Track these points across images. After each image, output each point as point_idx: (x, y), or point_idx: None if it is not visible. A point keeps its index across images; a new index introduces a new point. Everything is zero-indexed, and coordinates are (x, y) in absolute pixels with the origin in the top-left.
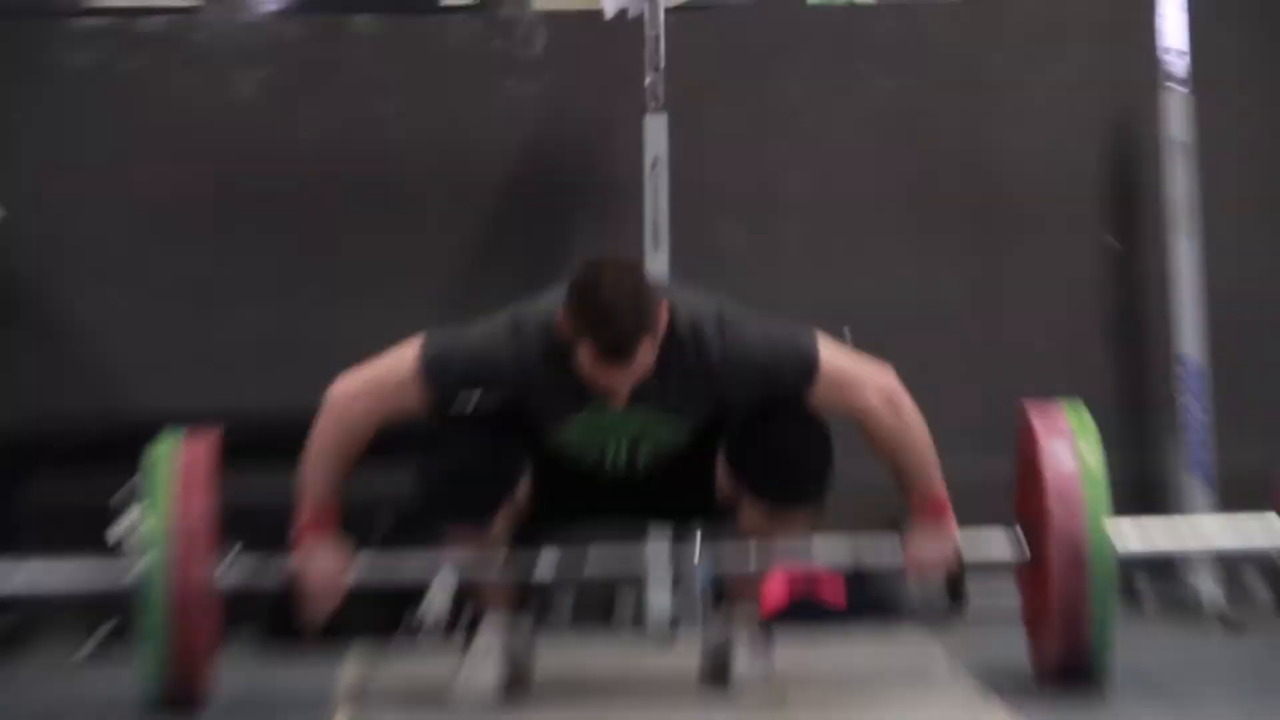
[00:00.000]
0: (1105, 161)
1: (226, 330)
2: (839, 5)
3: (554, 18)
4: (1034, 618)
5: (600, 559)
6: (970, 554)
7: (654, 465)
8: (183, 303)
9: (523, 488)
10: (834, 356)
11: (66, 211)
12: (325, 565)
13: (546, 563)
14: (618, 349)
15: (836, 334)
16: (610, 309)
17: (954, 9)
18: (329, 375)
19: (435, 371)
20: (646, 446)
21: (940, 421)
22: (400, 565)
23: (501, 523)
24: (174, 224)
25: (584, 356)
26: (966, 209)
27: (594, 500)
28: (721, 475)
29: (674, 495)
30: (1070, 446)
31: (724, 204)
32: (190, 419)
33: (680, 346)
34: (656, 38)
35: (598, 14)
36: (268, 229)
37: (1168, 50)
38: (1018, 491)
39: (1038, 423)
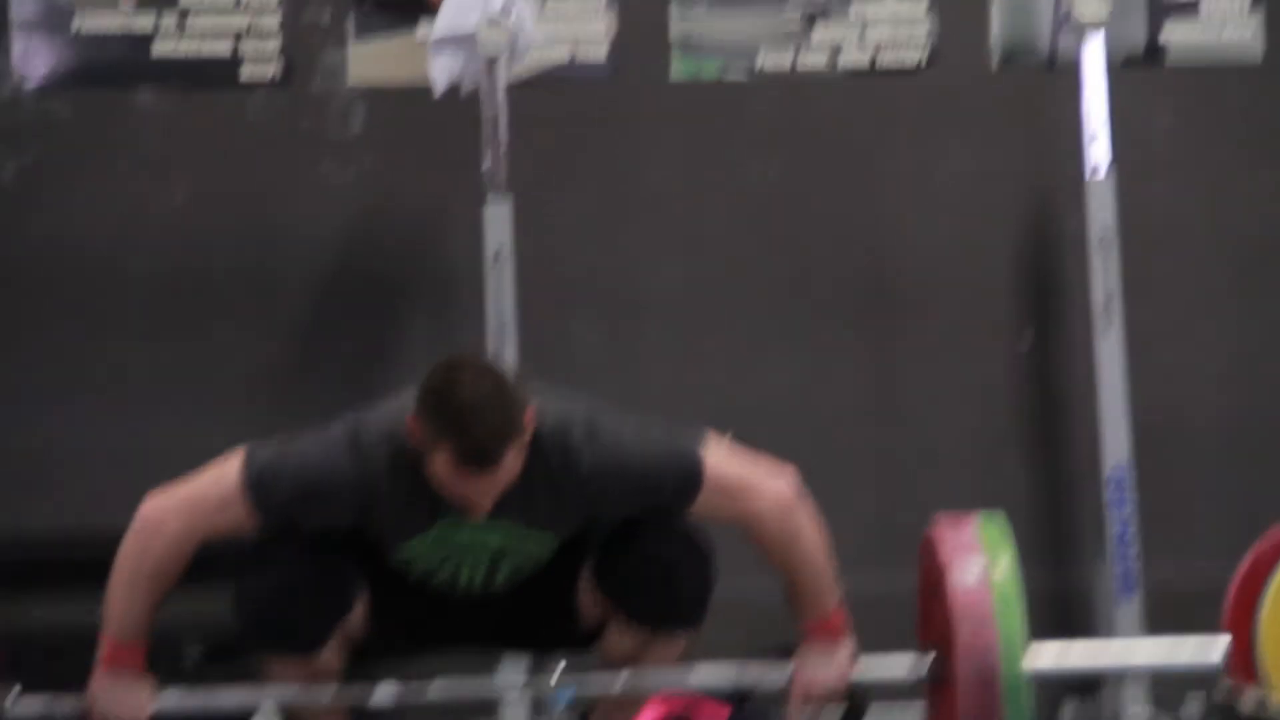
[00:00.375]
0: (1017, 253)
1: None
2: (707, 81)
3: (374, 94)
4: None
5: (447, 688)
6: (870, 676)
7: (512, 584)
8: None
9: (358, 612)
10: (722, 463)
11: None
12: (125, 703)
13: (384, 693)
14: (480, 457)
15: None
16: (470, 412)
17: (839, 84)
18: (118, 492)
19: (261, 492)
20: (507, 566)
21: (836, 541)
22: (213, 699)
23: (332, 652)
24: None
25: (440, 466)
26: (861, 306)
27: (440, 624)
28: (585, 594)
29: (532, 618)
30: (979, 559)
31: (579, 300)
32: None
33: (546, 455)
34: (494, 118)
35: (426, 91)
36: (44, 328)
37: (1091, 135)
38: (921, 612)
39: (943, 534)
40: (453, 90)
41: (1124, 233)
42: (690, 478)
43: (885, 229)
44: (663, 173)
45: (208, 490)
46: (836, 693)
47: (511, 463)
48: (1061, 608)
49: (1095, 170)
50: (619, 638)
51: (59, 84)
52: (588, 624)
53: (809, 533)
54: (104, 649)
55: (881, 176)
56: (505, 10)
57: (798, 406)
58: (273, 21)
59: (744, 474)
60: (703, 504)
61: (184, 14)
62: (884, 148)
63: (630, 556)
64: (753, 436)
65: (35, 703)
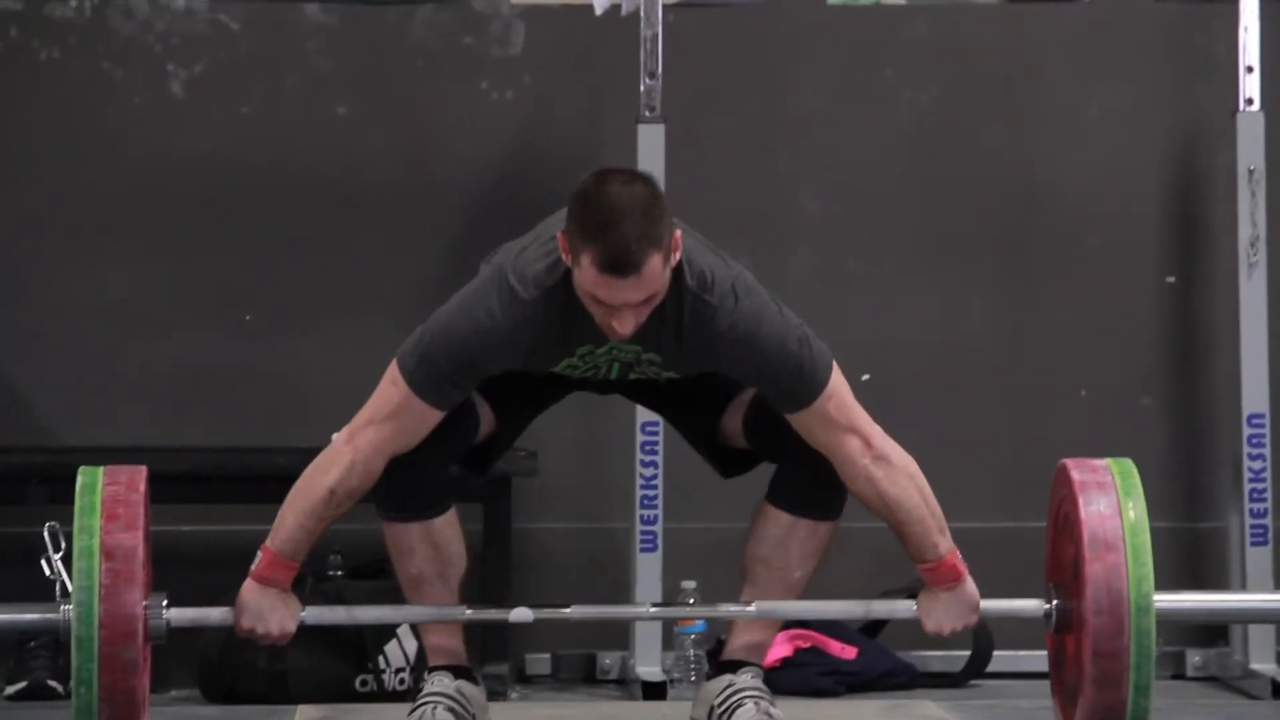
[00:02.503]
0: (1165, 190)
1: (153, 358)
2: (864, 4)
3: (535, 12)
4: (1064, 689)
5: (583, 612)
6: (996, 619)
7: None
8: (102, 326)
9: (483, 431)
10: (840, 389)
11: None
12: (272, 618)
13: (520, 614)
14: (621, 261)
15: (853, 379)
16: (615, 212)
17: (996, 11)
18: (272, 410)
19: (429, 386)
20: (635, 376)
21: (968, 480)
22: (354, 616)
23: (451, 524)
24: (92, 238)
25: (584, 275)
26: (1005, 241)
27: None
28: (731, 424)
29: (677, 404)
30: (1112, 501)
31: (726, 226)
32: (112, 456)
33: (683, 300)
34: (654, 37)
35: (586, 9)
36: (201, 245)
37: (1245, 69)
38: (1049, 554)
39: (1076, 476)
40: (613, 10)
41: (1273, 170)
42: (811, 385)
43: (1034, 159)
44: (815, 98)
45: (381, 407)
46: (962, 633)
47: (653, 275)
48: (1193, 555)
49: (1247, 104)
50: (764, 523)
51: None
52: (723, 444)
53: (904, 481)
54: (261, 561)
55: (1033, 106)
56: None
57: (938, 339)
58: None
59: (854, 411)
60: (808, 415)
61: None
62: (1037, 77)
63: (787, 432)
64: (892, 367)
65: (185, 614)
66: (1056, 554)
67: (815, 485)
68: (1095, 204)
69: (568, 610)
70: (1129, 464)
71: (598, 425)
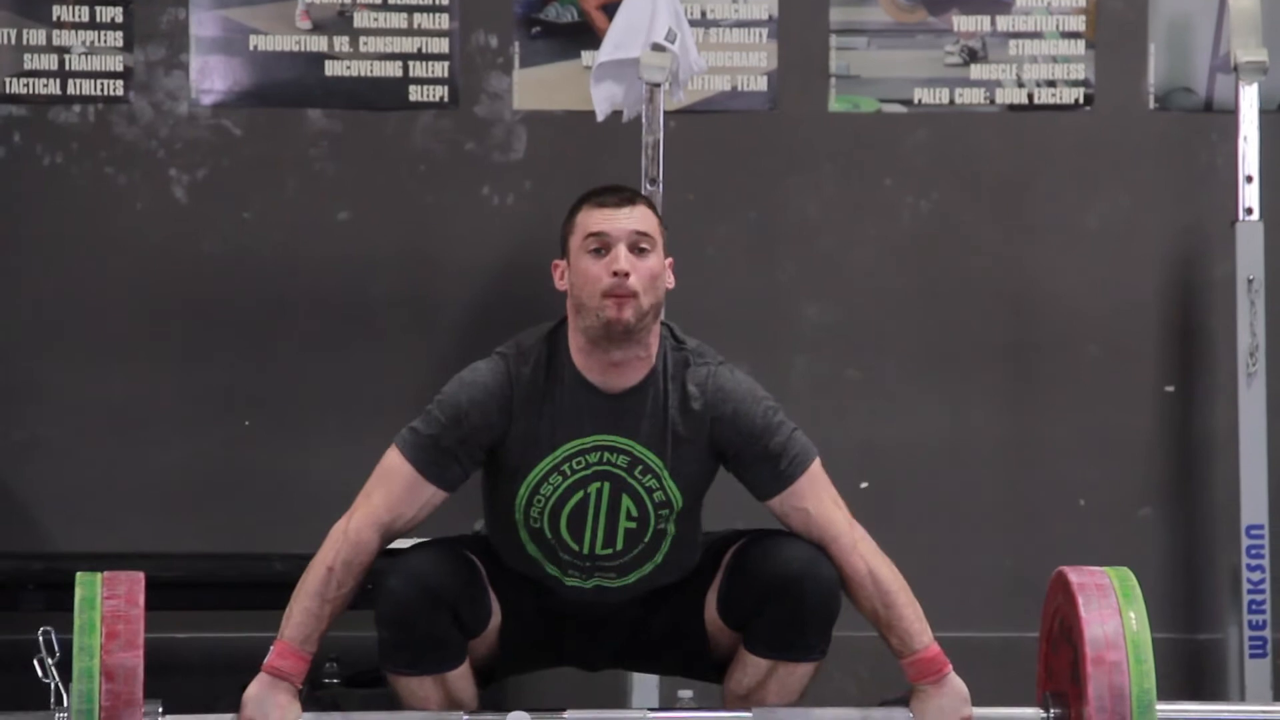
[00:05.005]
0: (1165, 299)
1: (151, 463)
2: (866, 112)
3: (537, 118)
4: None
5: (580, 718)
6: None
7: (634, 589)
8: (99, 430)
9: (490, 631)
10: (825, 476)
11: None
12: (273, 709)
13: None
14: (617, 190)
15: (852, 487)
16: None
17: (997, 120)
18: (270, 517)
19: (419, 448)
20: (629, 504)
21: (966, 589)
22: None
23: (464, 676)
24: (92, 342)
25: (580, 226)
26: (1004, 349)
27: (566, 642)
28: (712, 624)
29: (659, 641)
30: (1112, 604)
31: (726, 331)
32: (108, 562)
33: (680, 365)
34: (655, 144)
35: (588, 115)
36: (201, 350)
37: (1244, 179)
38: (1042, 664)
39: (1074, 579)
40: (614, 116)
41: (1272, 279)
42: (805, 452)
43: (1034, 267)
44: (816, 204)
45: (377, 482)
46: None
47: (648, 219)
48: (1192, 667)
49: (1247, 213)
50: (743, 668)
51: (233, 101)
52: (717, 654)
53: (887, 568)
54: (272, 652)
55: (1033, 214)
56: (669, 37)
57: (936, 447)
58: (442, 45)
59: (834, 489)
60: (801, 488)
61: (357, 35)
62: (1037, 185)
63: (754, 582)
64: (890, 476)
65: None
66: (1051, 663)
67: (794, 629)
68: (1094, 312)
69: (565, 715)
70: (1127, 572)
71: None
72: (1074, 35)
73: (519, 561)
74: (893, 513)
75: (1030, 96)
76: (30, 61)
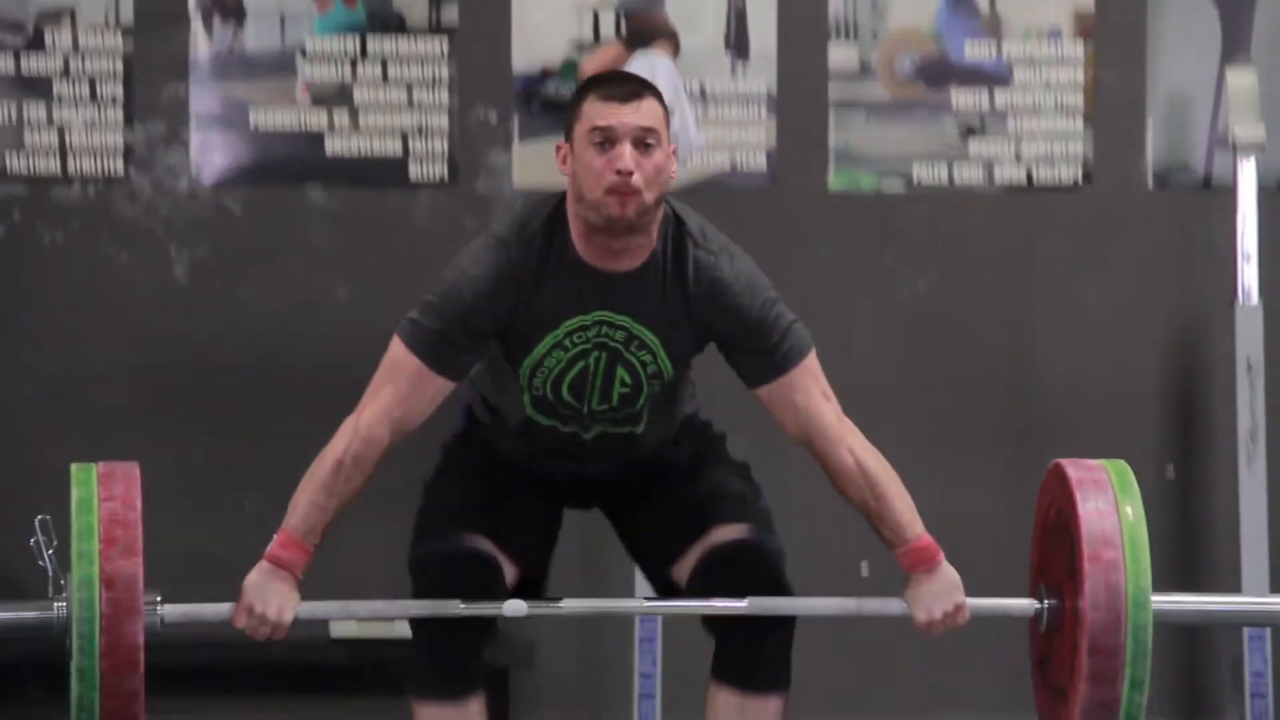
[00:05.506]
0: (1164, 381)
1: (152, 541)
2: (865, 191)
3: (537, 193)
4: (1051, 689)
5: (575, 610)
6: (986, 622)
7: (631, 439)
8: None
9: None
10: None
11: None
12: (272, 603)
13: (514, 607)
14: (623, 79)
15: (852, 569)
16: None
17: (995, 199)
18: None
19: (436, 352)
20: (623, 373)
21: (971, 668)
22: (350, 610)
23: (481, 711)
24: (90, 420)
25: (585, 118)
26: (1002, 430)
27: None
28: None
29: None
30: (1109, 499)
31: (723, 409)
32: None
33: (682, 243)
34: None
35: None
36: (200, 428)
37: (1243, 258)
38: (1036, 556)
39: (1072, 474)
40: None
41: (1273, 361)
42: (801, 344)
43: (1033, 347)
44: (815, 282)
45: (385, 378)
46: (952, 625)
47: (654, 112)
48: None
49: (1245, 295)
50: (716, 707)
51: (233, 179)
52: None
53: (875, 460)
54: (275, 542)
55: (1032, 293)
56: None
57: (935, 529)
58: (442, 122)
59: (826, 382)
60: (793, 379)
61: (356, 112)
62: (1037, 264)
63: (720, 622)
64: (890, 557)
65: (180, 610)
66: (1045, 555)
67: (759, 656)
68: (1093, 394)
69: (563, 603)
70: (1124, 465)
71: (594, 620)
72: (1072, 112)
73: (515, 412)
74: (893, 595)
75: (1029, 173)
76: (30, 138)
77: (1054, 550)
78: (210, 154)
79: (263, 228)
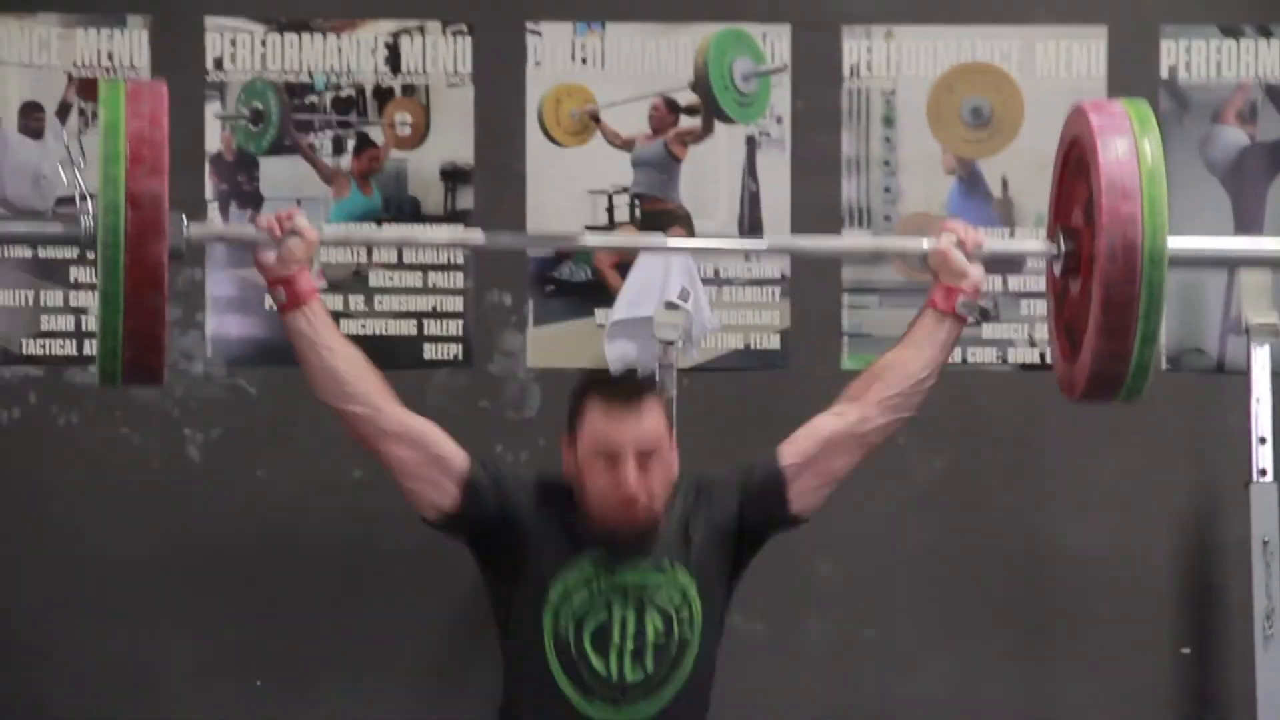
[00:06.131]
0: (1179, 560)
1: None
2: None
3: (550, 375)
4: (1065, 325)
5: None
6: (1002, 263)
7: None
8: (110, 690)
9: None
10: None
11: None
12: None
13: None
14: (625, 393)
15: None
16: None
17: (1009, 378)
18: None
19: (479, 465)
20: (655, 613)
21: None
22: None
23: None
24: (104, 601)
25: (589, 428)
26: (1018, 609)
27: None
28: None
29: None
30: (1129, 146)
31: (741, 590)
32: None
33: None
34: (669, 401)
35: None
36: (214, 609)
37: (1258, 440)
38: (1057, 194)
39: (1095, 120)
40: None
41: None
42: (768, 456)
43: (1047, 526)
44: None
45: (444, 440)
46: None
47: (655, 419)
48: None
49: (1260, 475)
50: None
51: (248, 360)
52: None
53: (868, 375)
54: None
55: (1046, 473)
56: (683, 296)
57: (950, 707)
58: (457, 303)
59: (806, 425)
60: (785, 454)
61: (372, 294)
62: (1051, 444)
63: None
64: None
65: (205, 229)
66: (1065, 194)
67: None
68: (1108, 573)
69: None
70: (1145, 104)
71: None
72: None
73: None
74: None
75: (1042, 356)
76: (47, 323)
77: (1073, 192)
78: (226, 336)
79: (277, 408)
